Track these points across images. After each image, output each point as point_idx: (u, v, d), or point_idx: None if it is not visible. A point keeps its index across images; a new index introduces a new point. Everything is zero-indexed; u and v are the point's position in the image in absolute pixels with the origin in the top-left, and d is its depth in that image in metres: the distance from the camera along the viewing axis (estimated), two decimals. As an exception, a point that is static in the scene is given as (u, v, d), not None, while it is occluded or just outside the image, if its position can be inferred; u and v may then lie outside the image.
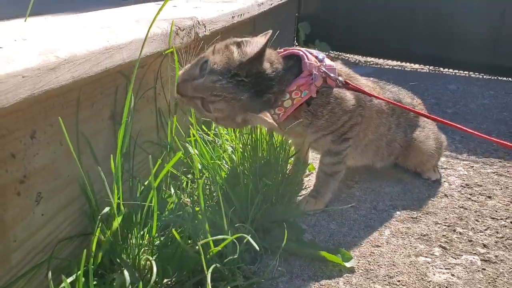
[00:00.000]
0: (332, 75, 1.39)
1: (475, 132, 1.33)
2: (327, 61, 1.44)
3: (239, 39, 1.31)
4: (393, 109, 1.65)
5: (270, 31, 1.30)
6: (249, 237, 1.09)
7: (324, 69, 1.39)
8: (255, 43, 1.26)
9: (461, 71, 3.72)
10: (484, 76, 3.60)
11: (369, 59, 4.12)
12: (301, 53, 1.40)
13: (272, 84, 1.30)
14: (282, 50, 1.44)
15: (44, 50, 0.83)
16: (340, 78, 1.40)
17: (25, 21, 1.23)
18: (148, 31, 1.00)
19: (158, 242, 1.15)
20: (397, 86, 1.79)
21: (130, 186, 1.21)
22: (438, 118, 1.41)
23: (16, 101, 0.73)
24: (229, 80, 1.21)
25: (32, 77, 0.76)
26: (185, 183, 1.44)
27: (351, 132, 1.51)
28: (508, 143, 1.22)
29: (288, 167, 1.67)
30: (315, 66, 1.38)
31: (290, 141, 1.65)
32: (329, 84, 1.41)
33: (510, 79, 3.50)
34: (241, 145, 1.58)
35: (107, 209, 1.04)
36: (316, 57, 1.42)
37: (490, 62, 3.56)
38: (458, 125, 1.33)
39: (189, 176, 1.52)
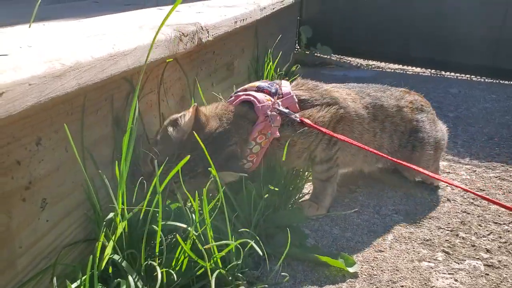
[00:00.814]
0: (286, 112, 1.40)
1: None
2: (284, 89, 1.45)
3: (175, 116, 1.30)
4: (374, 115, 1.60)
5: (195, 104, 1.27)
6: (252, 243, 1.09)
7: (279, 107, 1.40)
8: (187, 116, 1.26)
9: (463, 75, 3.72)
10: (486, 80, 3.61)
11: (370, 62, 4.12)
12: (251, 98, 1.40)
13: (228, 136, 1.31)
14: (233, 97, 1.45)
15: (50, 57, 0.84)
16: (295, 117, 1.40)
17: (29, 27, 1.24)
18: (155, 38, 1.00)
19: (162, 247, 1.15)
20: (382, 88, 1.72)
21: (134, 191, 1.21)
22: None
23: (23, 109, 0.74)
24: (178, 161, 1.16)
25: (39, 84, 0.77)
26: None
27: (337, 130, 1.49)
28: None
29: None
30: (269, 106, 1.38)
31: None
32: (293, 111, 1.42)
33: (511, 82, 3.51)
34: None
35: (111, 214, 1.05)
36: (269, 92, 1.43)
37: (492, 65, 3.56)
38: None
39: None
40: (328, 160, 1.53)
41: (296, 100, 1.45)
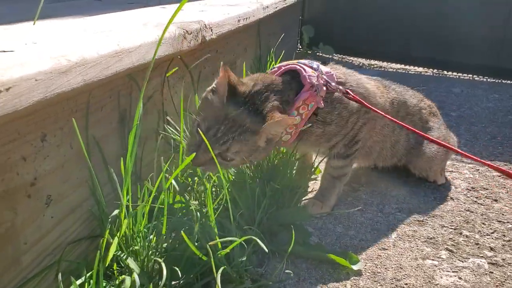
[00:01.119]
0: (333, 84, 1.40)
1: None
2: (323, 68, 1.44)
3: (210, 87, 1.30)
4: (397, 111, 1.65)
5: (221, 63, 1.26)
6: (257, 239, 1.09)
7: (325, 77, 1.39)
8: (219, 81, 1.25)
9: (465, 74, 3.72)
10: (488, 79, 3.60)
11: (372, 62, 4.12)
12: (298, 67, 1.39)
13: (269, 95, 1.28)
14: (276, 68, 1.44)
15: (56, 53, 0.84)
16: (340, 87, 1.41)
17: (33, 24, 1.24)
18: (163, 35, 1.00)
19: (166, 244, 1.15)
20: (404, 86, 1.77)
21: (138, 188, 1.21)
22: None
23: (29, 104, 0.74)
24: (225, 123, 1.20)
25: (45, 80, 0.77)
26: (191, 185, 1.44)
27: (361, 133, 1.52)
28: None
29: (293, 171, 1.67)
30: (315, 77, 1.37)
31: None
32: (330, 90, 1.41)
33: (514, 82, 3.51)
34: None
35: (116, 211, 1.05)
36: (311, 67, 1.41)
37: (495, 65, 3.56)
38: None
39: (196, 178, 1.52)
40: (346, 157, 1.53)
41: (336, 80, 1.44)
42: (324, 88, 1.37)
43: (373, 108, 1.43)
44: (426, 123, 1.75)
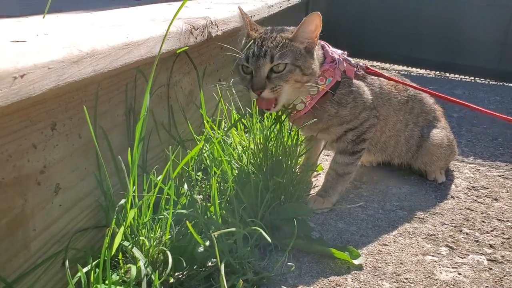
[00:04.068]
0: (352, 61, 1.50)
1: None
2: (340, 52, 1.54)
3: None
4: (412, 108, 1.71)
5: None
6: (261, 230, 1.11)
7: (345, 56, 1.50)
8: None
9: (467, 77, 3.74)
10: (490, 82, 3.61)
11: (375, 63, 4.14)
12: (323, 42, 1.51)
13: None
14: None
15: (67, 43, 0.86)
16: (360, 63, 1.52)
17: (43, 17, 1.26)
18: (169, 27, 1.03)
19: (171, 235, 1.17)
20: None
21: (144, 180, 1.23)
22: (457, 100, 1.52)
23: (42, 91, 0.76)
24: (261, 43, 1.34)
25: (57, 69, 0.79)
26: (195, 179, 1.46)
27: (369, 132, 1.56)
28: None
29: (297, 167, 1.68)
30: (337, 53, 1.49)
31: (301, 140, 1.66)
32: (349, 75, 1.49)
33: (516, 84, 3.52)
34: (252, 146, 1.60)
35: (122, 201, 1.07)
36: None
37: (496, 68, 3.57)
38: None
39: (199, 173, 1.54)
40: (352, 154, 1.57)
41: (355, 70, 1.53)
42: (344, 64, 1.48)
43: (393, 78, 1.58)
44: (438, 121, 1.81)
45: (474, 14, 3.51)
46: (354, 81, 1.51)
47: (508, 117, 1.41)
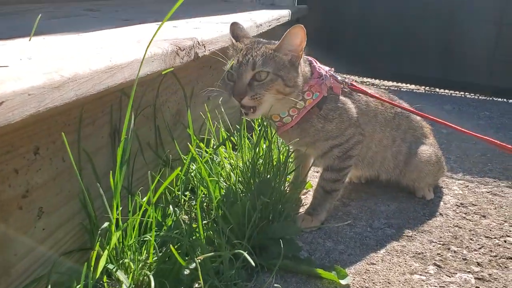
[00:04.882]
0: (339, 78, 1.53)
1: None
2: (327, 68, 1.57)
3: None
4: (399, 124, 1.72)
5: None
6: (245, 254, 1.10)
7: (332, 72, 1.53)
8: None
9: (457, 92, 3.77)
10: (480, 97, 3.65)
11: (365, 79, 4.17)
12: (311, 58, 1.54)
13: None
14: None
15: (49, 69, 0.86)
16: (346, 80, 1.55)
17: (29, 40, 1.26)
18: (145, 53, 1.03)
19: (156, 258, 1.17)
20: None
21: (129, 201, 1.23)
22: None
23: (21, 118, 0.76)
24: (246, 52, 1.40)
25: (38, 95, 0.79)
26: (182, 200, 1.46)
27: (355, 149, 1.57)
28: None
29: (286, 185, 1.68)
30: (324, 70, 1.51)
31: (290, 158, 1.66)
32: (335, 92, 1.51)
33: (505, 100, 3.55)
34: (239, 163, 1.61)
35: (105, 224, 1.06)
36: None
37: (486, 83, 3.61)
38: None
39: (187, 193, 1.54)
40: (339, 170, 1.58)
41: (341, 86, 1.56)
42: (331, 80, 1.50)
43: (376, 96, 1.60)
44: (426, 138, 1.83)
45: (463, 30, 3.56)
46: (341, 97, 1.54)
47: (491, 139, 1.43)
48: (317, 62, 1.55)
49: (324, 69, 1.53)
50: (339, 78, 1.55)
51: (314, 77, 1.49)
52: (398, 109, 1.73)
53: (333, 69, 1.57)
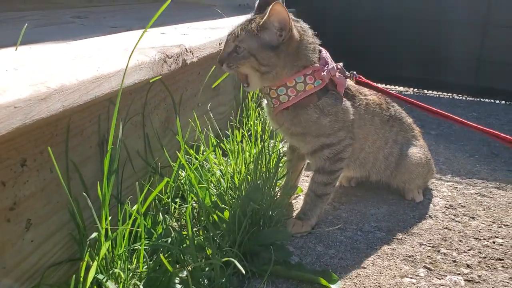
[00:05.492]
0: (347, 73, 1.57)
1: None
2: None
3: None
4: (392, 126, 1.74)
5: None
6: (236, 262, 1.10)
7: (340, 66, 1.55)
8: None
9: (445, 93, 3.80)
10: (467, 98, 3.68)
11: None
12: (323, 49, 1.56)
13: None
14: None
15: (35, 80, 0.86)
16: (354, 72, 1.58)
17: (15, 50, 1.26)
18: (128, 62, 1.04)
19: (146, 267, 1.16)
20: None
21: (119, 210, 1.22)
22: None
23: (7, 131, 0.75)
24: (238, 27, 1.47)
25: (24, 107, 0.79)
26: (172, 207, 1.46)
27: (345, 152, 1.58)
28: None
29: (276, 190, 1.69)
30: (332, 62, 1.54)
31: (281, 163, 1.67)
32: (339, 91, 1.53)
33: (492, 100, 3.59)
34: (229, 169, 1.61)
35: (94, 234, 1.06)
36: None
37: (473, 84, 3.64)
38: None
39: (177, 200, 1.54)
40: (330, 173, 1.58)
41: (346, 84, 1.58)
42: (337, 71, 1.52)
43: (382, 88, 1.63)
44: (417, 140, 1.85)
45: (450, 31, 3.59)
46: (343, 98, 1.56)
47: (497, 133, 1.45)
48: (327, 52, 1.57)
49: (330, 59, 1.55)
50: (347, 73, 1.58)
51: (321, 64, 1.50)
52: (393, 111, 1.78)
53: (341, 63, 1.58)
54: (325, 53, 1.55)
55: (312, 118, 1.50)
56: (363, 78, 1.61)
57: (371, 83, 1.62)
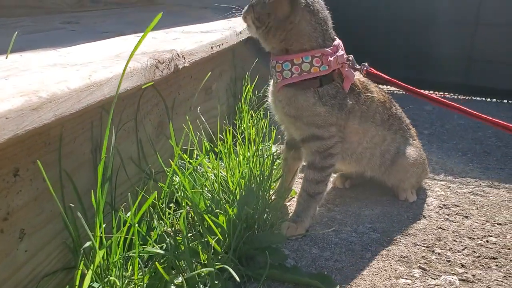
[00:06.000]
0: (357, 66, 1.57)
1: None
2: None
3: None
4: (391, 125, 1.76)
5: None
6: (230, 269, 1.10)
7: (351, 58, 1.57)
8: None
9: (437, 92, 3.82)
10: (459, 97, 3.70)
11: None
12: (338, 39, 1.58)
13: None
14: None
15: (27, 90, 0.85)
16: (366, 64, 1.58)
17: (6, 58, 1.25)
18: (124, 70, 1.03)
19: (141, 274, 1.16)
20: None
21: (113, 217, 1.22)
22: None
23: (-1, 142, 0.75)
24: None
25: (15, 118, 0.78)
26: (167, 213, 1.45)
27: (335, 148, 1.58)
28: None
29: (271, 193, 1.69)
30: (343, 51, 1.54)
31: (275, 166, 1.67)
32: (344, 87, 1.55)
33: (483, 98, 3.61)
34: (222, 173, 1.61)
35: (88, 243, 1.05)
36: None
37: (464, 83, 3.66)
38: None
39: (171, 205, 1.54)
40: (321, 169, 1.58)
41: (353, 79, 1.59)
42: (344, 59, 1.53)
43: (392, 79, 1.63)
44: (414, 140, 1.87)
45: (440, 30, 3.61)
46: (346, 96, 1.57)
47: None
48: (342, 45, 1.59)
49: (341, 48, 1.56)
50: (357, 66, 1.58)
51: (332, 50, 1.51)
52: (394, 110, 1.80)
53: (352, 55, 1.59)
54: (339, 42, 1.56)
55: (309, 103, 1.50)
56: (373, 70, 1.60)
57: (382, 75, 1.60)
